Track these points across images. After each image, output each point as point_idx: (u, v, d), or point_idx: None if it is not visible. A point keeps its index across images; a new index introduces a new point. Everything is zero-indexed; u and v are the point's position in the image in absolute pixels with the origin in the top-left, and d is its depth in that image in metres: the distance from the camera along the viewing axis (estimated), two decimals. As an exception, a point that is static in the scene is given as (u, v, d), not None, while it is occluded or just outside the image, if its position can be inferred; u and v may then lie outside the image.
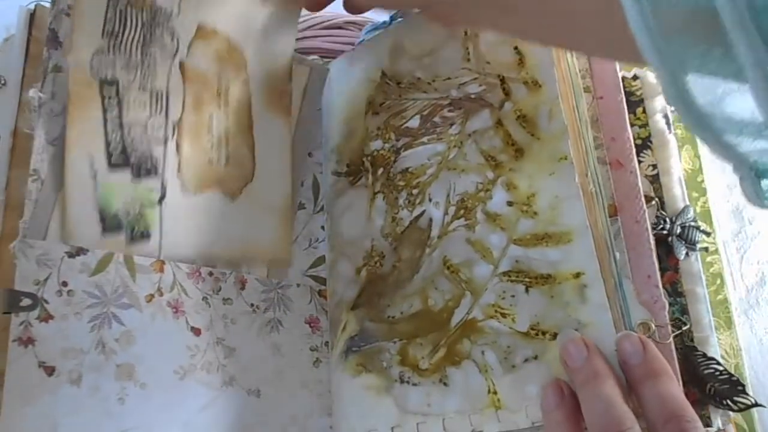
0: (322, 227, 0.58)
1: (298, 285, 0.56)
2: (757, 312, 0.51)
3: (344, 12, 0.52)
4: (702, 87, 0.25)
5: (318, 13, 0.65)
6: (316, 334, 0.55)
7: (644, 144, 0.48)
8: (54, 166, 0.46)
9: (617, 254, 0.42)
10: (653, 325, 0.41)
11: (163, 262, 0.49)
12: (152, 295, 0.48)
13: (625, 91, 0.48)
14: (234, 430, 0.50)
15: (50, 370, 0.44)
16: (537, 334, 0.43)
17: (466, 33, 0.52)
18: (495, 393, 0.43)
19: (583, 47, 0.39)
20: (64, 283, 0.45)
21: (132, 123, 0.49)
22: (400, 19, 0.57)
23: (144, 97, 0.49)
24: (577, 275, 0.42)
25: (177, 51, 0.51)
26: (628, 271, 0.43)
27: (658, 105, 0.48)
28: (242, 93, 0.55)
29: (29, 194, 0.45)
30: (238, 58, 0.55)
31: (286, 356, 0.54)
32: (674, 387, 0.37)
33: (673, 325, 0.43)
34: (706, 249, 0.47)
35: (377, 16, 0.61)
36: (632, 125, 0.47)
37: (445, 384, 0.46)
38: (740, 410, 0.42)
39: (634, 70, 0.48)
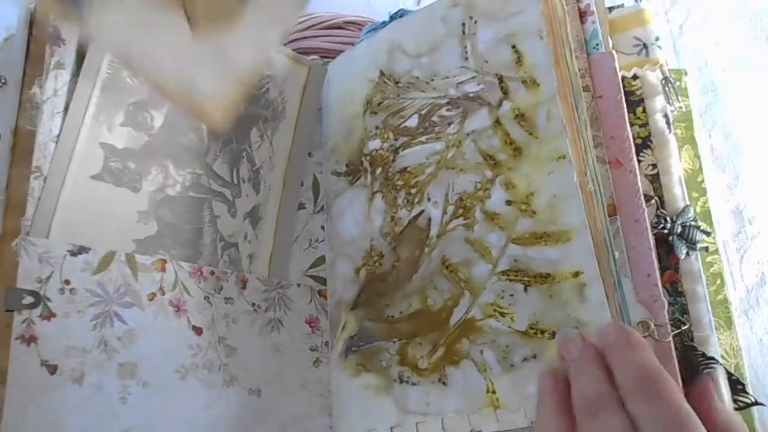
0: (322, 227, 0.59)
1: (299, 285, 0.56)
2: (757, 312, 0.51)
3: (344, 12, 0.52)
4: None
5: (318, 13, 0.65)
6: (316, 334, 0.56)
7: (644, 143, 0.48)
8: (56, 163, 0.46)
9: (616, 253, 0.42)
10: (652, 324, 0.41)
11: (165, 261, 0.50)
12: (154, 294, 0.49)
13: (625, 91, 0.48)
14: (234, 429, 0.50)
15: (52, 369, 0.44)
16: (536, 333, 0.43)
17: (464, 32, 0.52)
18: (494, 392, 0.43)
19: None
20: (67, 281, 0.45)
21: None
22: (399, 19, 0.57)
23: None
24: (576, 274, 0.42)
25: None
26: (628, 270, 0.43)
27: (658, 105, 0.48)
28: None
29: (31, 192, 0.45)
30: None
31: (286, 356, 0.54)
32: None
33: (672, 325, 0.43)
34: (706, 249, 0.47)
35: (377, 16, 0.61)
36: (632, 125, 0.47)
37: (444, 383, 0.46)
38: (740, 408, 0.42)
39: (634, 70, 0.48)
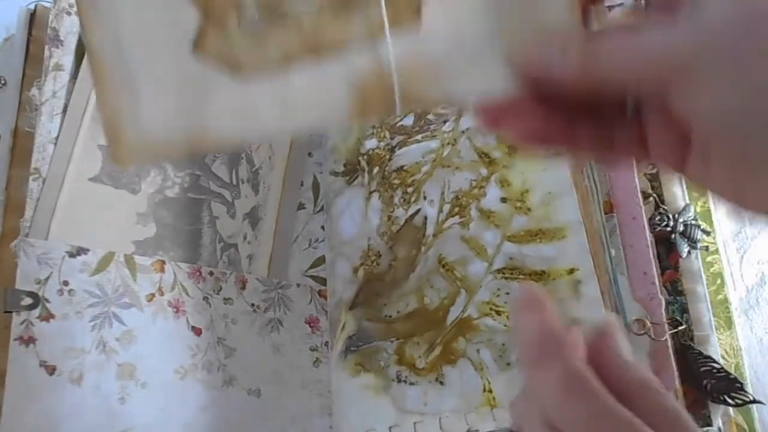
0: (322, 227, 0.59)
1: (298, 285, 0.56)
2: (757, 312, 0.50)
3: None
4: None
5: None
6: (316, 334, 0.55)
7: (643, 142, 0.48)
8: (55, 164, 0.46)
9: (612, 251, 0.42)
10: (648, 322, 0.41)
11: (163, 262, 0.50)
12: (153, 295, 0.49)
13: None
14: (234, 429, 0.50)
15: (51, 370, 0.44)
16: None
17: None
18: (490, 391, 0.43)
19: None
20: (66, 283, 0.45)
21: None
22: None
23: None
24: (571, 271, 0.42)
25: None
26: (624, 268, 0.42)
27: (657, 103, 0.48)
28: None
29: (30, 193, 0.45)
30: None
31: (286, 356, 0.54)
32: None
33: (670, 324, 0.43)
34: (706, 248, 0.47)
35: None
36: (631, 123, 0.47)
37: (441, 383, 0.46)
38: (737, 405, 0.41)
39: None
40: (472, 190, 0.48)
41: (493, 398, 0.43)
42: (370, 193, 0.54)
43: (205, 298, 0.51)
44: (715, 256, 0.48)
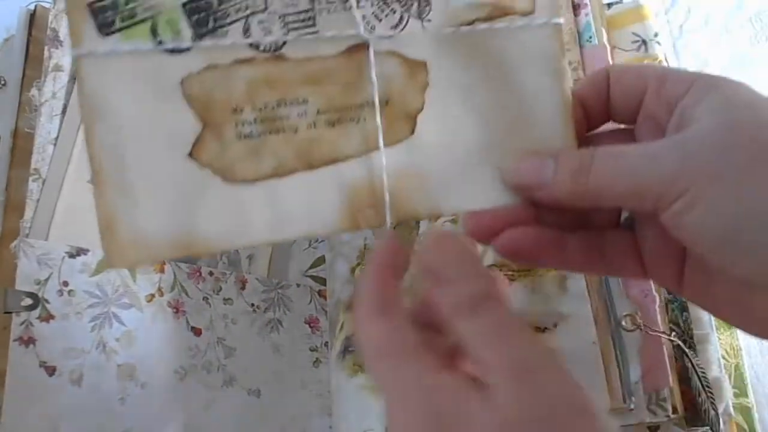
0: (323, 227, 0.59)
1: (298, 285, 0.56)
2: (758, 311, 0.50)
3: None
4: None
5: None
6: (316, 334, 0.56)
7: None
8: (55, 165, 0.46)
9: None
10: (639, 318, 0.41)
11: (163, 262, 0.50)
12: (153, 295, 0.49)
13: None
14: (234, 429, 0.50)
15: (51, 370, 0.44)
16: None
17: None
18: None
19: None
20: (65, 283, 0.45)
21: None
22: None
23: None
24: (558, 266, 0.42)
25: None
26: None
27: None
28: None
29: (30, 194, 0.45)
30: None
31: (286, 356, 0.54)
32: None
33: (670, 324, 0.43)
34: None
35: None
36: (631, 122, 0.47)
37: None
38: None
39: (633, 68, 0.48)
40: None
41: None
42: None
43: (205, 299, 0.51)
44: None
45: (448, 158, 0.29)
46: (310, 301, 0.56)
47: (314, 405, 0.53)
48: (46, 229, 0.46)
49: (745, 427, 0.45)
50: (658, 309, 0.41)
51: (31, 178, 0.45)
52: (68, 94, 0.48)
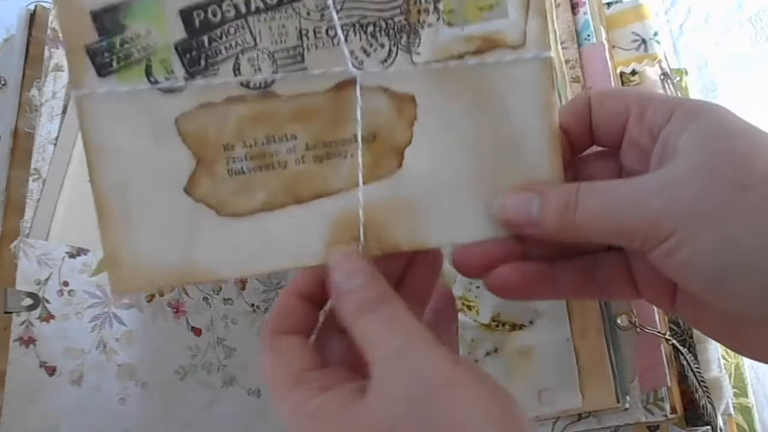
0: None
1: (298, 285, 0.56)
2: (758, 311, 0.50)
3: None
4: None
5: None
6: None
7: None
8: (55, 165, 0.46)
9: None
10: (634, 316, 0.41)
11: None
12: (153, 295, 0.49)
13: (624, 87, 0.47)
14: (234, 429, 0.50)
15: (51, 370, 0.44)
16: (497, 326, 0.43)
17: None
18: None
19: None
20: (65, 283, 0.45)
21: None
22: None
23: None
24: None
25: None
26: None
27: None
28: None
29: (30, 194, 0.45)
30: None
31: (286, 356, 0.54)
32: None
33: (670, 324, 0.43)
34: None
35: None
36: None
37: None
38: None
39: (633, 65, 0.48)
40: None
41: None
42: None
43: (205, 299, 0.51)
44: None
45: (435, 192, 0.29)
46: (310, 301, 0.56)
47: (314, 405, 0.53)
48: (46, 229, 0.46)
49: (745, 427, 0.45)
50: (656, 308, 0.41)
51: (31, 178, 0.45)
52: (68, 93, 0.48)
